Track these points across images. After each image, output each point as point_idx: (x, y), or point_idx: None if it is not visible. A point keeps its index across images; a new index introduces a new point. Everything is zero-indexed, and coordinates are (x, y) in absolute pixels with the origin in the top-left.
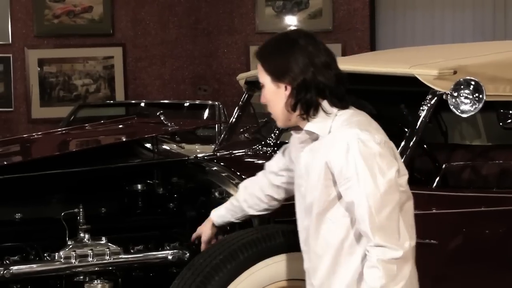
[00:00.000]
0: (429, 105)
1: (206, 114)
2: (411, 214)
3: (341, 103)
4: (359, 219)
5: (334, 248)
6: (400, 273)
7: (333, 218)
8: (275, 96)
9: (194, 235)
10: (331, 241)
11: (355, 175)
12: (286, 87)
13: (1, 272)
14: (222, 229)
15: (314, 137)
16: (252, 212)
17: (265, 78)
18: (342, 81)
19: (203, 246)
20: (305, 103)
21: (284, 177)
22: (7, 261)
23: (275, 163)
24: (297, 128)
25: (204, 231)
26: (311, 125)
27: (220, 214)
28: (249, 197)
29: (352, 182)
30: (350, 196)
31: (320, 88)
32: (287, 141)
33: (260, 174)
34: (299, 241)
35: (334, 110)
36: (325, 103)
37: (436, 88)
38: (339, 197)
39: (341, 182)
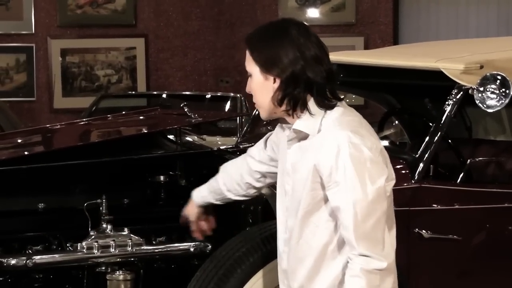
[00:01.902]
0: (454, 99)
1: (227, 106)
2: (393, 214)
3: (328, 103)
4: (344, 226)
5: (316, 252)
6: (382, 284)
7: (318, 221)
8: (262, 88)
9: (181, 219)
10: (314, 245)
11: (344, 180)
12: (274, 80)
13: (24, 262)
14: (207, 208)
15: (302, 136)
16: (231, 196)
17: (253, 68)
18: (333, 77)
19: (193, 226)
20: (293, 98)
21: (265, 166)
22: (30, 251)
23: (257, 151)
24: (283, 121)
25: (190, 211)
26: (299, 123)
27: (201, 195)
28: (228, 180)
29: (340, 187)
30: (337, 201)
31: (308, 83)
32: None
33: (240, 159)
34: (277, 241)
35: (321, 111)
36: (311, 103)
37: (462, 83)
38: (325, 200)
39: (330, 186)
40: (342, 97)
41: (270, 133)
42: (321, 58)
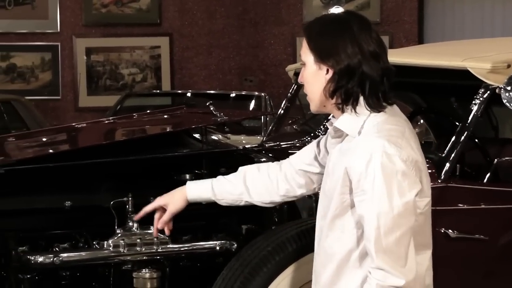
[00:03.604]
0: (481, 99)
1: (252, 105)
2: (429, 233)
3: (377, 105)
4: (366, 236)
5: (339, 259)
6: None
7: (344, 227)
8: (314, 78)
9: (152, 205)
10: (337, 251)
11: (371, 189)
12: (327, 70)
13: (51, 259)
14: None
15: (343, 135)
16: (256, 201)
17: (308, 57)
18: (388, 76)
19: (166, 216)
20: (345, 92)
21: (314, 167)
22: (57, 248)
23: (308, 154)
24: (333, 117)
25: (174, 201)
26: (341, 121)
27: (200, 189)
28: (259, 184)
29: (367, 196)
30: (362, 210)
31: (362, 78)
32: None
33: (284, 163)
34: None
35: (367, 112)
36: (360, 102)
37: (489, 82)
38: (353, 206)
39: (357, 193)
40: (393, 101)
41: (322, 137)
42: (379, 55)
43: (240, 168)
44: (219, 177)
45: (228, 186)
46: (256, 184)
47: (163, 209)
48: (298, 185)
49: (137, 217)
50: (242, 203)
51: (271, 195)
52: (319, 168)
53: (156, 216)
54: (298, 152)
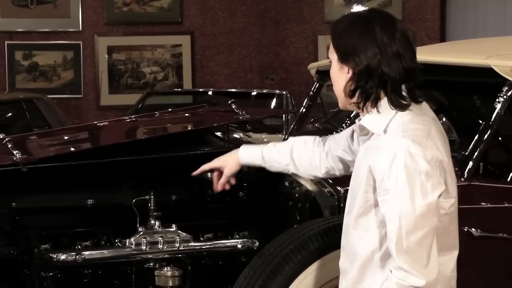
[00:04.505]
0: (505, 97)
1: (273, 103)
2: (455, 234)
3: (400, 103)
4: (388, 236)
5: (362, 259)
6: None
7: (368, 226)
8: (337, 76)
9: (209, 166)
10: (360, 251)
11: (394, 189)
12: (348, 70)
13: (73, 257)
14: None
15: (368, 133)
16: (301, 173)
17: (333, 55)
18: (413, 75)
19: (223, 179)
20: (364, 92)
21: (348, 155)
22: (79, 246)
23: (344, 137)
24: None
25: (229, 165)
26: (366, 119)
27: (252, 155)
28: (307, 158)
29: (389, 196)
30: (384, 210)
31: (383, 79)
32: None
33: (328, 141)
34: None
35: (392, 111)
36: (384, 100)
37: None
38: (376, 205)
39: (380, 192)
40: (421, 100)
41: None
42: (402, 55)
43: (290, 139)
44: (269, 145)
45: (276, 156)
46: (302, 158)
47: (218, 170)
48: (337, 167)
49: (195, 173)
50: (290, 173)
51: (314, 170)
52: (352, 156)
53: (214, 174)
54: (337, 136)
